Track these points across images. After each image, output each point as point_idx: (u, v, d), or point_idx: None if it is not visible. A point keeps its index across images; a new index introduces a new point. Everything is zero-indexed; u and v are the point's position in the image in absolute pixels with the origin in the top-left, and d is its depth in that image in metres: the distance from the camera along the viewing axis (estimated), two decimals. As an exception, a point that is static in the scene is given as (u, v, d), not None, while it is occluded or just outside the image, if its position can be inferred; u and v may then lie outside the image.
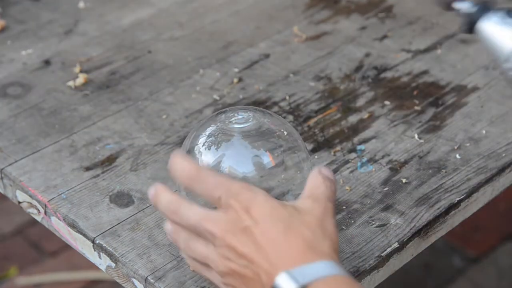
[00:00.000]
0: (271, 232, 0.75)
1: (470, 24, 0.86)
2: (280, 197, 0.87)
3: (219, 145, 0.87)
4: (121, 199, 0.96)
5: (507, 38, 0.84)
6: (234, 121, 0.88)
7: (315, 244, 0.76)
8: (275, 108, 1.10)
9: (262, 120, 0.89)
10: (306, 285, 0.72)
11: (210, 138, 0.88)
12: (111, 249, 0.90)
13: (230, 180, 0.78)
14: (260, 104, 1.10)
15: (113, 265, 0.90)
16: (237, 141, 0.87)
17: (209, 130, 0.89)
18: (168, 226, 0.81)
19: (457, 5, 0.86)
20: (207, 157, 0.87)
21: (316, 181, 0.81)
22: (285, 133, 0.89)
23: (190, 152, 0.89)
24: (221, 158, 0.87)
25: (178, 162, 0.79)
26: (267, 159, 0.87)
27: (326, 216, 0.78)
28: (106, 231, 0.92)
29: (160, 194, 0.80)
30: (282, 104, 1.11)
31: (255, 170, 0.86)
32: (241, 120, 0.88)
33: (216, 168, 0.86)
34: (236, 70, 1.17)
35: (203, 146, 0.88)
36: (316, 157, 1.02)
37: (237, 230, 0.76)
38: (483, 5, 0.85)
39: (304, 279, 0.73)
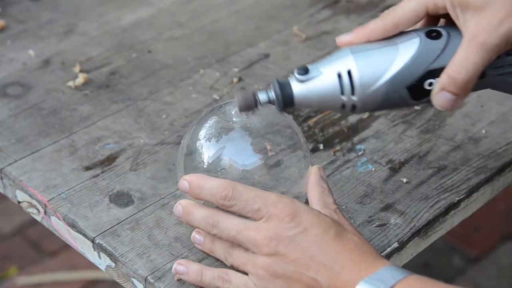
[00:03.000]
0: (324, 238, 0.77)
1: (284, 101, 0.85)
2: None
3: (219, 138, 0.87)
4: (121, 199, 0.96)
5: (324, 83, 0.84)
6: (235, 114, 0.88)
7: (365, 249, 0.78)
8: (275, 108, 1.10)
9: (264, 113, 0.88)
10: None
11: (211, 131, 0.88)
12: (111, 249, 0.90)
13: (264, 191, 0.81)
14: (260, 104, 1.10)
15: (113, 265, 0.90)
16: (238, 134, 0.87)
17: (209, 123, 0.88)
18: (197, 236, 0.85)
19: (260, 98, 0.85)
20: (207, 149, 0.87)
21: (320, 189, 0.86)
22: (286, 126, 0.89)
23: (190, 144, 0.88)
24: (221, 150, 0.86)
25: (207, 183, 0.81)
26: (268, 152, 0.87)
27: (350, 223, 0.83)
28: (106, 231, 0.92)
29: (192, 211, 0.82)
30: (282, 104, 1.10)
31: (256, 163, 0.86)
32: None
33: (216, 160, 0.86)
34: (236, 70, 1.17)
35: (203, 138, 0.87)
36: (315, 157, 1.02)
37: (283, 237, 0.77)
38: (277, 82, 0.85)
39: (386, 284, 0.74)
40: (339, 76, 0.83)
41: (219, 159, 0.86)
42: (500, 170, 1.00)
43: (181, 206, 0.84)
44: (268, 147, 0.87)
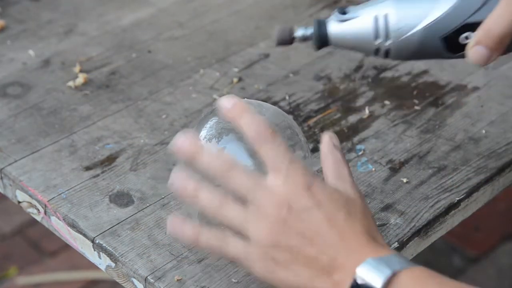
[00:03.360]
0: (334, 217, 0.75)
1: (320, 40, 0.86)
2: None
3: (220, 138, 0.87)
4: (121, 199, 0.96)
5: (360, 25, 0.85)
6: None
7: (373, 234, 0.76)
8: (275, 108, 1.10)
9: (264, 114, 0.88)
10: (392, 277, 0.72)
11: (211, 132, 0.87)
12: (111, 249, 0.90)
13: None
14: (260, 104, 1.10)
15: (113, 264, 0.90)
16: (238, 135, 0.87)
17: (210, 123, 0.88)
18: (176, 176, 0.78)
19: (298, 33, 0.87)
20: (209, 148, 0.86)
21: (333, 159, 0.82)
22: (287, 126, 0.89)
23: None
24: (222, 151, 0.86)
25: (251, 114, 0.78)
26: None
27: (364, 200, 0.80)
28: (106, 231, 0.92)
29: (200, 152, 0.77)
30: (282, 104, 1.11)
31: (257, 164, 0.86)
32: None
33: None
34: (236, 70, 1.17)
35: (204, 139, 0.87)
36: (316, 157, 1.02)
37: (296, 207, 0.75)
38: (316, 20, 0.86)
39: (389, 270, 0.72)
40: (376, 19, 0.84)
41: None
42: (500, 170, 1.00)
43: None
44: None
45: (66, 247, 1.92)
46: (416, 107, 1.10)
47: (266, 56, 1.20)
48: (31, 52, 1.21)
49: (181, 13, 1.30)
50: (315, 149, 1.03)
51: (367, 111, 1.09)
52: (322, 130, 1.06)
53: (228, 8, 1.31)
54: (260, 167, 0.85)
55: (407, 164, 1.01)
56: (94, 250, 0.92)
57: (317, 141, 1.04)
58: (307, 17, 1.28)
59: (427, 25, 0.83)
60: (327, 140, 0.83)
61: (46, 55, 1.20)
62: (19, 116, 1.09)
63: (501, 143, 1.04)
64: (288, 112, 1.08)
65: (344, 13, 0.85)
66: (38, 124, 1.07)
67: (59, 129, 1.06)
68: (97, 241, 0.91)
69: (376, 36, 0.84)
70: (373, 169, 1.00)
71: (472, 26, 0.83)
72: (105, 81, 1.15)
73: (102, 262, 0.91)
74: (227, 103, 0.79)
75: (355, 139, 1.05)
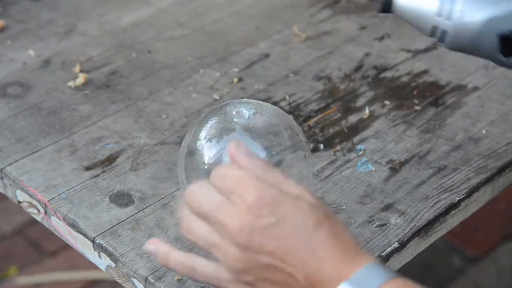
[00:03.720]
0: (301, 229, 0.71)
1: (386, 3, 0.87)
2: None
3: (220, 138, 0.87)
4: (121, 199, 0.96)
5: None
6: (236, 115, 0.88)
7: (345, 239, 0.72)
8: (275, 108, 1.10)
9: (265, 114, 0.88)
10: None
11: (212, 131, 0.87)
12: (111, 249, 0.90)
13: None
14: (260, 104, 1.10)
15: (113, 264, 0.90)
16: (238, 134, 0.87)
17: (210, 123, 0.88)
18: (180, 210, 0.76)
19: None
20: (208, 150, 0.87)
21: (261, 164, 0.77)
22: (287, 127, 0.89)
23: (191, 145, 0.88)
24: (222, 151, 0.86)
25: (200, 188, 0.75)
26: (268, 153, 0.86)
27: (332, 212, 0.77)
28: (106, 231, 0.92)
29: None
30: (282, 104, 1.11)
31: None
32: (244, 113, 0.88)
33: (217, 161, 0.86)
34: (236, 70, 1.17)
35: (204, 139, 0.87)
36: (316, 157, 1.02)
37: (257, 227, 0.71)
38: None
39: (372, 286, 0.70)
40: None
41: (220, 160, 0.86)
42: (500, 170, 1.00)
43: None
44: (271, 151, 0.87)
45: (66, 247, 1.92)
46: (416, 107, 1.10)
47: (266, 56, 1.20)
48: (31, 52, 1.21)
49: (181, 13, 1.30)
50: (315, 149, 1.03)
51: (367, 111, 1.09)
52: (322, 130, 1.06)
53: (228, 8, 1.31)
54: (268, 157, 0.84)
55: (407, 164, 1.01)
56: (94, 250, 0.92)
57: (317, 141, 1.04)
58: (307, 17, 1.28)
59: (490, 17, 0.83)
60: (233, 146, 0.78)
61: (46, 55, 1.20)
62: (19, 116, 1.09)
63: (501, 143, 1.04)
64: (288, 112, 1.08)
65: None
66: (38, 124, 1.07)
67: (59, 129, 1.06)
68: (97, 241, 0.91)
69: (439, 13, 0.84)
70: (373, 169, 1.00)
71: None
72: (105, 81, 1.15)
73: (102, 262, 0.91)
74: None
75: (355, 139, 1.05)
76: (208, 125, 0.88)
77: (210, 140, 0.87)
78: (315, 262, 0.71)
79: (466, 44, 0.85)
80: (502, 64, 0.86)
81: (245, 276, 0.73)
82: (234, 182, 0.73)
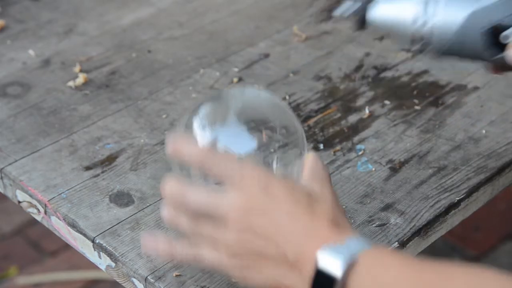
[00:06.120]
0: (296, 211, 0.74)
1: (360, 20, 0.87)
2: None
3: (214, 125, 0.86)
4: (121, 198, 0.96)
5: (403, 8, 0.85)
6: (233, 101, 0.87)
7: (339, 222, 0.75)
8: (275, 108, 1.10)
9: (262, 101, 0.88)
10: (352, 259, 0.71)
11: (207, 118, 0.87)
12: (111, 249, 0.90)
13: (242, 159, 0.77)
14: (260, 104, 1.10)
15: (113, 264, 0.90)
16: (233, 122, 0.86)
17: (206, 110, 0.87)
18: (165, 212, 0.79)
19: (338, 11, 0.87)
20: (202, 136, 0.86)
21: (317, 164, 0.81)
22: (284, 124, 0.89)
23: (186, 130, 0.87)
24: (216, 138, 0.85)
25: (185, 144, 0.78)
26: (263, 141, 0.86)
27: (337, 199, 0.78)
28: (106, 230, 0.92)
29: (166, 183, 0.78)
30: (282, 103, 1.11)
31: (251, 151, 0.85)
32: (240, 101, 0.87)
33: (211, 148, 0.85)
34: (236, 69, 1.17)
35: (199, 126, 0.87)
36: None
37: (254, 210, 0.74)
38: None
39: (348, 253, 0.71)
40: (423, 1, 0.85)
41: (214, 146, 0.85)
42: (500, 170, 1.00)
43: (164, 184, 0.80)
44: (263, 135, 0.86)
45: (66, 247, 1.92)
46: (416, 107, 1.10)
47: (266, 56, 1.20)
48: (31, 52, 1.21)
49: (181, 13, 1.30)
50: (315, 149, 1.03)
51: (367, 111, 1.09)
52: (322, 130, 1.06)
53: (228, 8, 1.31)
54: (257, 154, 0.84)
55: (407, 164, 1.01)
56: (94, 250, 0.92)
57: (317, 141, 1.04)
58: (307, 17, 1.28)
59: (475, 9, 0.83)
60: (313, 154, 0.83)
61: (46, 55, 1.20)
62: (19, 116, 1.09)
63: (501, 143, 1.04)
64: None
65: None
66: (38, 124, 1.07)
67: (59, 129, 1.06)
68: (97, 241, 0.91)
69: (415, 20, 0.84)
70: (373, 169, 1.00)
71: None
72: (105, 81, 1.15)
73: (102, 262, 0.91)
74: (169, 144, 0.79)
75: (355, 139, 1.05)
76: (203, 112, 0.87)
77: (203, 128, 0.86)
78: (304, 240, 0.73)
79: (450, 46, 0.84)
80: (490, 59, 0.85)
81: (243, 260, 0.75)
82: (223, 169, 0.76)
